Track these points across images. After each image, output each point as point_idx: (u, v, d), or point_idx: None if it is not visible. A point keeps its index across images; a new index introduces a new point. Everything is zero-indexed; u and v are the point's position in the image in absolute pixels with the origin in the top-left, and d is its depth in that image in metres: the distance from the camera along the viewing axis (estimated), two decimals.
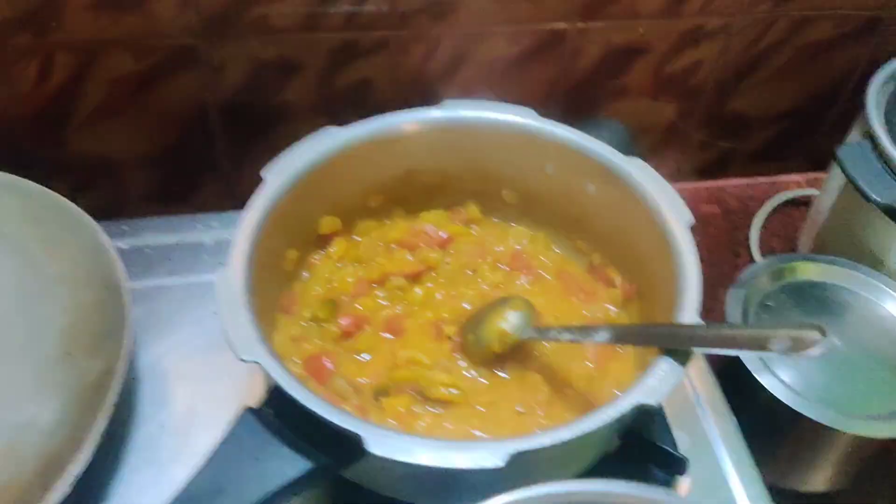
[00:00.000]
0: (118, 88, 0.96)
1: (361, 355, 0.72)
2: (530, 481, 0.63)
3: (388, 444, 0.53)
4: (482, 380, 0.70)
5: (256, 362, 0.57)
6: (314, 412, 0.54)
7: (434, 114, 0.75)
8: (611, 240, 0.76)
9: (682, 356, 0.57)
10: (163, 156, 1.04)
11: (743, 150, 1.22)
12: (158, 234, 0.95)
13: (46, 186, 0.85)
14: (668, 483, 0.72)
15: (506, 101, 0.77)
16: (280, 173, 0.70)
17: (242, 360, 0.57)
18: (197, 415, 0.78)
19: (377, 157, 0.76)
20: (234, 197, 0.70)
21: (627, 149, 0.74)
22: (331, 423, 0.54)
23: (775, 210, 1.14)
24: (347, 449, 0.54)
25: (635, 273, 0.74)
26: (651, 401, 0.55)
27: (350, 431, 0.53)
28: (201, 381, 0.80)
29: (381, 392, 0.69)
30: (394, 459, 0.52)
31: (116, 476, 0.73)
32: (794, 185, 1.17)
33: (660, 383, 0.56)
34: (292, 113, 1.03)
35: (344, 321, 0.73)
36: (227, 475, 0.54)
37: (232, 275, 0.62)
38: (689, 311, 0.61)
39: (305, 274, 0.77)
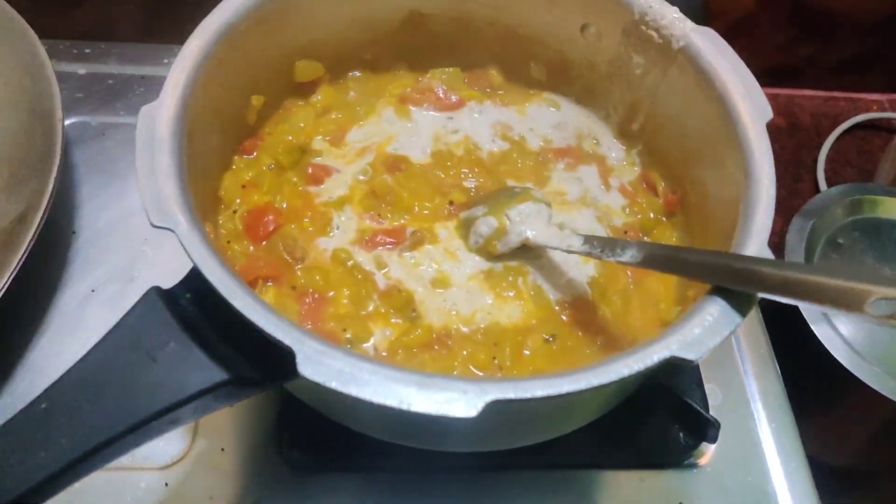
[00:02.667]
0: None
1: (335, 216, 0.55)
2: (512, 433, 0.49)
3: (327, 366, 0.37)
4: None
5: (170, 230, 0.41)
6: (236, 309, 0.39)
7: None
8: (660, 132, 0.58)
9: (740, 301, 0.41)
10: None
11: (824, 59, 0.99)
12: (124, 63, 0.77)
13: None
14: (690, 449, 0.57)
15: None
16: None
17: (154, 226, 0.42)
18: (135, 283, 0.63)
19: None
20: None
21: (697, 15, 0.55)
22: (256, 326, 0.38)
23: (850, 132, 0.93)
24: (277, 362, 0.40)
25: (684, 179, 0.57)
26: (691, 355, 0.39)
27: (280, 342, 0.38)
28: (147, 243, 0.65)
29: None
30: (330, 389, 0.37)
31: (34, 342, 0.60)
32: (876, 105, 0.96)
33: (705, 334, 0.40)
34: None
35: (317, 162, 0.57)
36: (111, 375, 0.39)
37: (161, 112, 0.46)
38: (756, 240, 0.44)
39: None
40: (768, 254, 0.43)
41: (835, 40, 0.96)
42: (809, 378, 0.64)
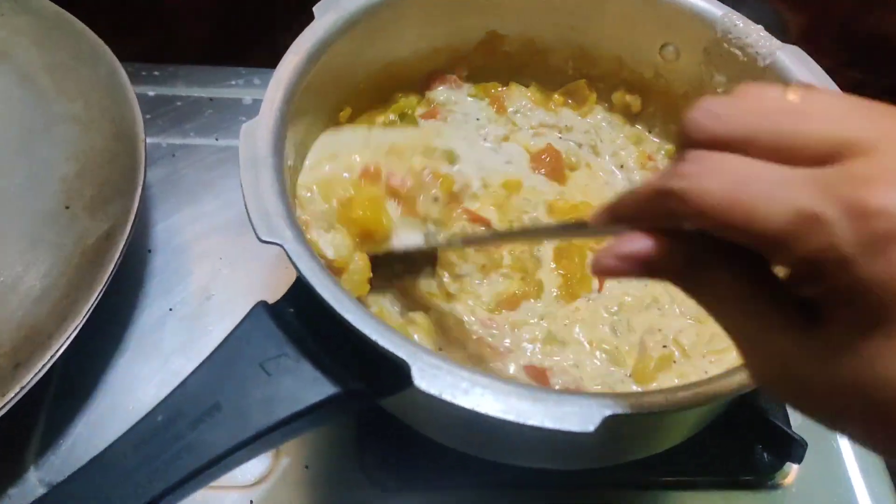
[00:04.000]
0: None
1: None
2: (612, 450, 0.49)
3: (442, 379, 0.38)
4: None
5: (279, 245, 0.42)
6: (349, 323, 0.39)
7: None
8: None
9: None
10: (216, 5, 0.87)
11: (875, 85, 0.99)
12: (191, 85, 0.79)
13: (87, 24, 0.69)
14: (774, 468, 0.56)
15: None
16: (335, 10, 0.53)
17: (261, 241, 0.42)
18: (212, 301, 0.64)
19: (454, 6, 0.58)
20: None
21: (778, 35, 0.55)
22: (370, 340, 0.39)
23: None
24: (388, 376, 0.40)
25: None
26: None
27: (394, 356, 0.38)
28: (222, 262, 0.66)
29: None
30: (447, 401, 0.37)
31: (112, 362, 0.60)
32: None
33: None
34: None
35: None
36: (225, 387, 0.40)
37: (261, 129, 0.47)
38: None
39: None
40: None
41: (884, 65, 0.95)
42: None
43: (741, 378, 0.39)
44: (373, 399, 0.42)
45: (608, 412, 0.37)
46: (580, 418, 0.37)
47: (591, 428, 0.36)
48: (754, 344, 0.28)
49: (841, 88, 0.51)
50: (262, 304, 0.43)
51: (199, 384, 0.40)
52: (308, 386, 0.40)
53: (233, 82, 0.79)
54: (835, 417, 0.27)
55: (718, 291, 0.28)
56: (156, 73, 0.79)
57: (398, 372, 0.38)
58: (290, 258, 0.41)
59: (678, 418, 0.45)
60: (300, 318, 0.43)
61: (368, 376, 0.41)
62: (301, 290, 0.43)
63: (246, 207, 0.43)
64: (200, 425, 0.39)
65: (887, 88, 0.96)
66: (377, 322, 0.39)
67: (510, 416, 0.37)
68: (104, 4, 0.82)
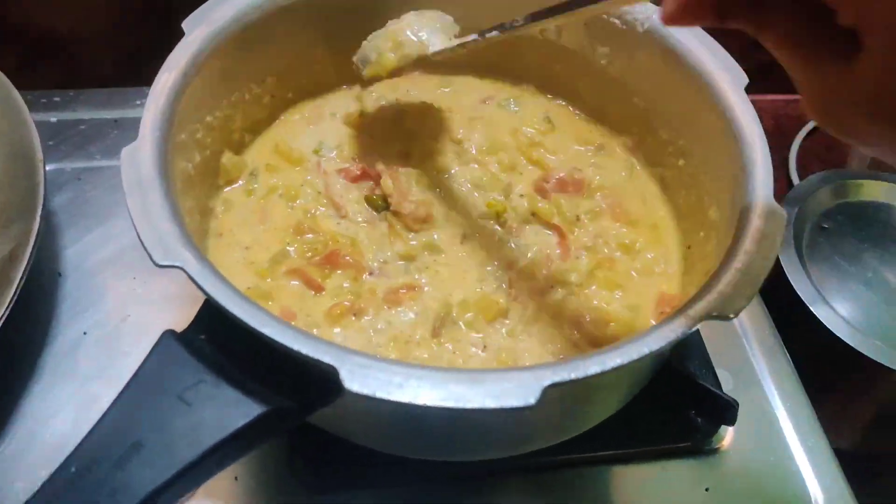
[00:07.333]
0: None
1: None
2: (551, 426, 0.49)
3: (374, 377, 0.37)
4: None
5: (179, 267, 0.40)
6: (268, 337, 0.38)
7: None
8: (644, 120, 0.60)
9: (764, 251, 0.43)
10: (118, 34, 0.85)
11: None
12: (94, 108, 0.77)
13: None
14: (709, 433, 0.57)
15: None
16: (207, 25, 0.52)
17: (158, 266, 0.40)
18: (128, 323, 0.62)
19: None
20: None
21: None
22: (292, 350, 0.37)
23: (814, 132, 0.93)
24: (316, 385, 0.38)
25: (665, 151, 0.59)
26: (730, 312, 0.41)
27: (320, 362, 0.37)
28: (136, 282, 0.64)
29: None
30: (383, 399, 0.37)
31: (27, 389, 0.58)
32: None
33: (738, 289, 0.42)
34: None
35: None
36: (144, 424, 0.37)
37: (143, 152, 0.45)
38: (761, 194, 0.46)
39: None
40: (779, 209, 0.45)
41: None
42: (812, 360, 0.65)
43: (669, 331, 0.40)
44: (304, 413, 0.40)
45: (546, 382, 0.37)
46: (520, 393, 0.36)
47: (532, 401, 0.36)
48: (809, 78, 0.32)
49: (750, 70, 0.54)
50: (170, 333, 0.40)
51: (114, 425, 0.37)
52: (232, 410, 0.38)
53: (137, 102, 0.78)
54: (870, 136, 0.31)
55: (779, 31, 0.32)
56: (56, 98, 0.77)
57: (326, 378, 0.37)
58: (193, 280, 0.39)
59: (615, 380, 0.45)
60: (213, 343, 0.40)
61: (295, 389, 0.39)
62: (209, 313, 0.41)
63: (137, 233, 0.41)
64: (120, 470, 0.36)
65: None
66: (296, 331, 0.38)
67: (450, 403, 0.36)
68: (6, 41, 0.81)
